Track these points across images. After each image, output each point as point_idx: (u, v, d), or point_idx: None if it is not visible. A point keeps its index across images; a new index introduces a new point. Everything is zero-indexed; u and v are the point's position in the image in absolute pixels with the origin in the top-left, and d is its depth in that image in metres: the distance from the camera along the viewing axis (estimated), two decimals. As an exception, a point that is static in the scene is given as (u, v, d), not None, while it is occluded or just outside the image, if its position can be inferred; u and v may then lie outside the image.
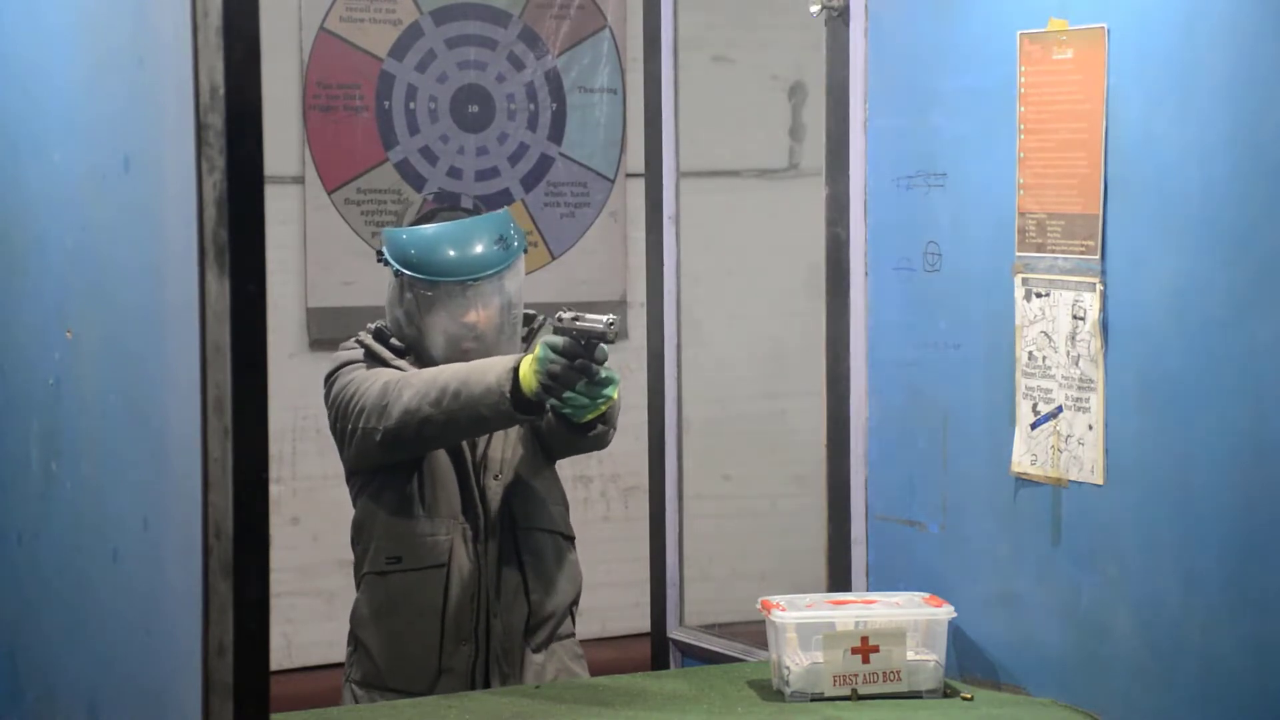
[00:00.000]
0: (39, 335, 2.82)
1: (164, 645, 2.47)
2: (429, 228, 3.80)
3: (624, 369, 5.95)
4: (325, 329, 5.72)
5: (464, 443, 3.76)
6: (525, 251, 3.88)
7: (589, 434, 3.70)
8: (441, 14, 5.91)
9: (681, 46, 4.46)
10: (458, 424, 3.58)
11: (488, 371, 3.55)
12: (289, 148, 5.71)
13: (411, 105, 5.87)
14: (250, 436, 2.30)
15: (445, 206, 4.02)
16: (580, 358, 3.47)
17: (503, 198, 5.97)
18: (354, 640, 3.83)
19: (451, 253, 3.76)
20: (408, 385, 3.61)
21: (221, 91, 2.27)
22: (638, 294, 5.45)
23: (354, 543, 3.85)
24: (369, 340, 3.79)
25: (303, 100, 5.72)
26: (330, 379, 3.78)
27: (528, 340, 3.88)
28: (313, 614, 5.65)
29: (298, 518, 5.70)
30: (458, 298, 3.74)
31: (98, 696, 2.72)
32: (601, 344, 3.49)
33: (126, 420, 2.58)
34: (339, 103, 5.79)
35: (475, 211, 3.94)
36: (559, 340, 3.48)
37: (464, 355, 3.73)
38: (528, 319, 3.92)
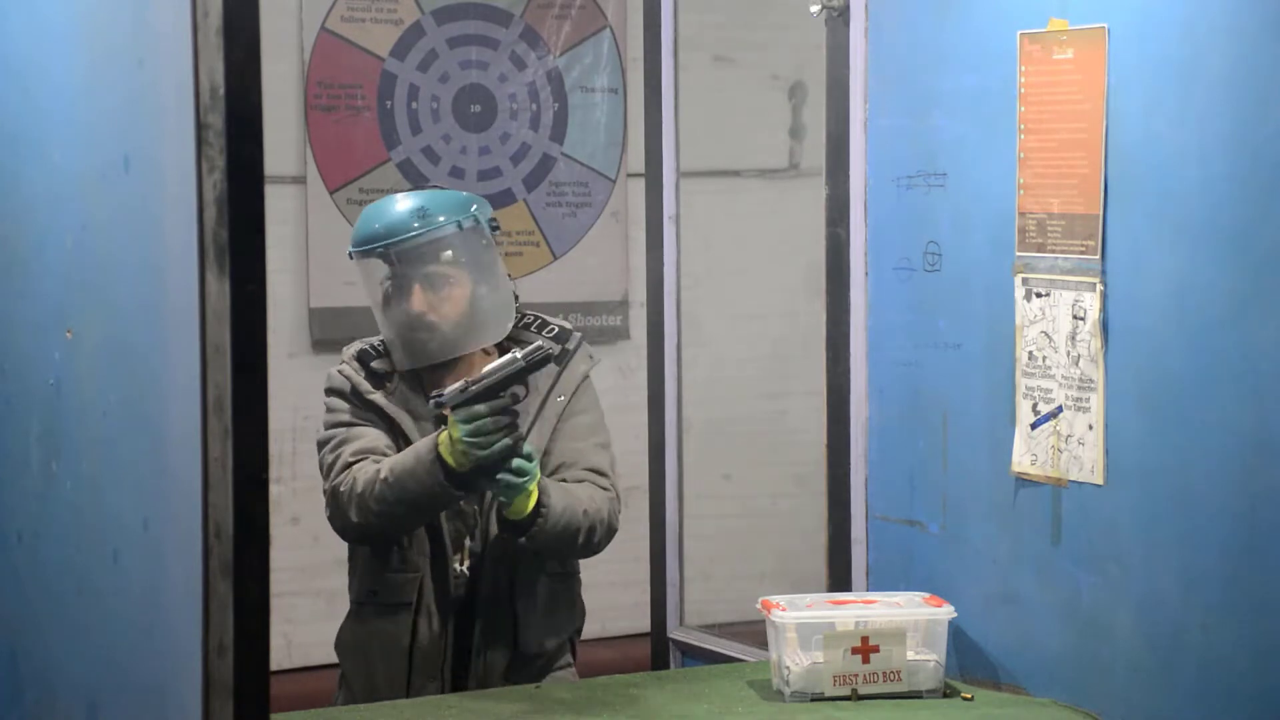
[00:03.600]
0: (39, 335, 2.82)
1: (164, 645, 2.47)
2: (369, 205, 3.78)
3: (624, 369, 5.98)
4: (327, 329, 5.72)
5: None
6: (466, 220, 3.71)
7: (530, 532, 3.59)
8: (443, 14, 5.90)
9: (681, 46, 4.46)
10: (401, 515, 3.58)
11: (414, 450, 3.55)
12: (289, 148, 5.71)
13: (413, 105, 5.87)
14: (250, 436, 2.30)
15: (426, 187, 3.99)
16: (497, 397, 3.46)
17: (505, 198, 5.97)
18: (340, 666, 3.83)
19: (372, 223, 3.71)
20: (353, 493, 3.59)
21: (221, 91, 2.27)
22: (639, 294, 5.44)
23: (349, 569, 3.84)
24: (350, 372, 3.73)
25: (304, 100, 5.72)
26: (325, 404, 3.77)
27: (558, 359, 3.76)
28: (313, 614, 5.64)
29: (298, 518, 5.69)
30: (406, 286, 3.66)
31: (98, 696, 2.72)
32: (514, 386, 3.48)
33: (126, 420, 2.58)
34: (340, 102, 5.79)
35: (429, 188, 3.89)
36: (474, 401, 3.48)
37: (422, 347, 3.67)
38: (562, 335, 3.81)
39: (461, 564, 3.71)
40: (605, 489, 3.73)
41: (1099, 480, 3.44)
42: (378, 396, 3.69)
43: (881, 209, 3.90)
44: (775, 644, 3.55)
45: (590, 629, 5.93)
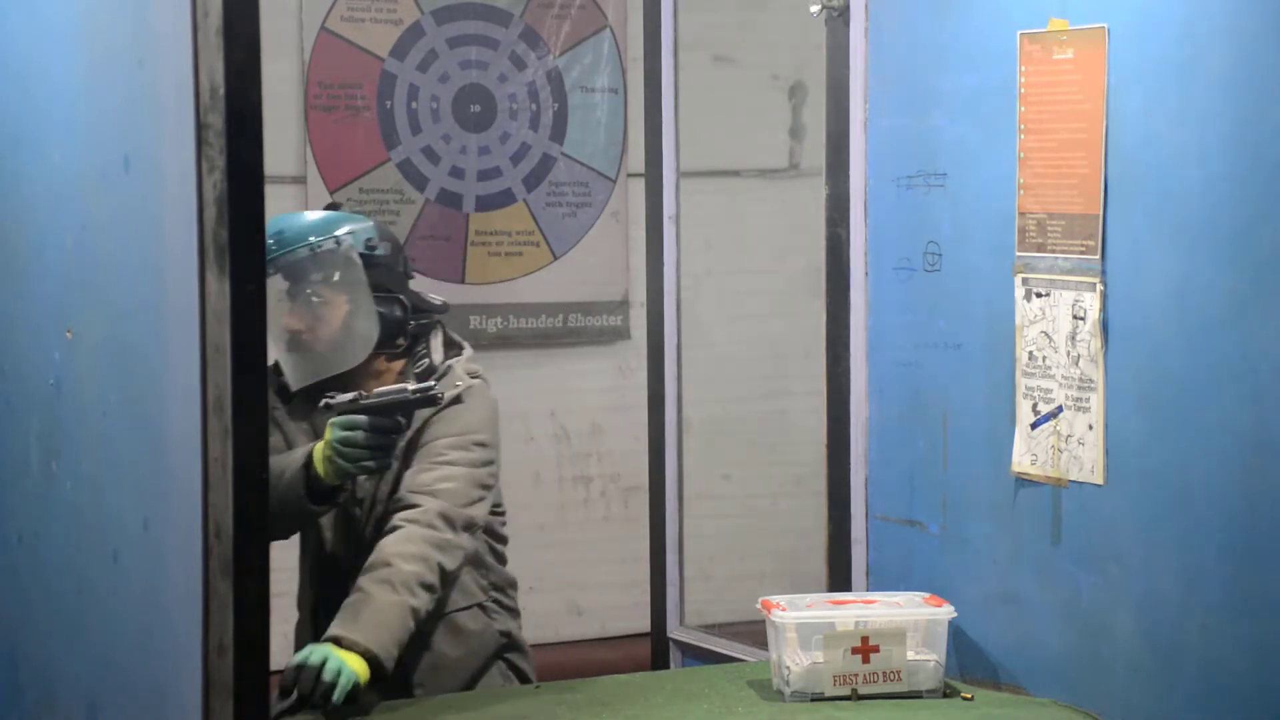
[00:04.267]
0: (39, 335, 2.83)
1: (164, 645, 2.48)
2: None
3: (624, 369, 5.98)
4: (326, 329, 5.72)
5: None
6: (324, 241, 3.68)
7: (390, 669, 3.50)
8: (443, 14, 5.90)
9: (681, 46, 4.46)
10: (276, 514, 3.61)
11: (294, 452, 3.57)
12: (289, 148, 5.71)
13: (413, 105, 5.87)
14: (250, 436, 2.31)
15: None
16: (378, 418, 3.47)
17: (505, 197, 5.97)
18: None
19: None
20: None
21: (221, 91, 2.28)
22: (639, 294, 5.45)
23: None
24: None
25: (304, 100, 5.72)
26: None
27: (406, 349, 3.75)
28: (313, 614, 5.64)
29: (298, 517, 5.69)
30: (279, 301, 3.65)
31: (98, 696, 2.72)
32: (399, 415, 3.48)
33: (126, 420, 2.59)
34: (340, 102, 5.79)
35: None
36: (356, 415, 3.48)
37: (297, 365, 3.67)
38: (427, 371, 3.74)
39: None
40: (414, 505, 3.59)
41: (1099, 480, 3.44)
42: (279, 412, 3.74)
43: (881, 209, 3.90)
44: (775, 644, 3.55)
45: (590, 629, 5.96)
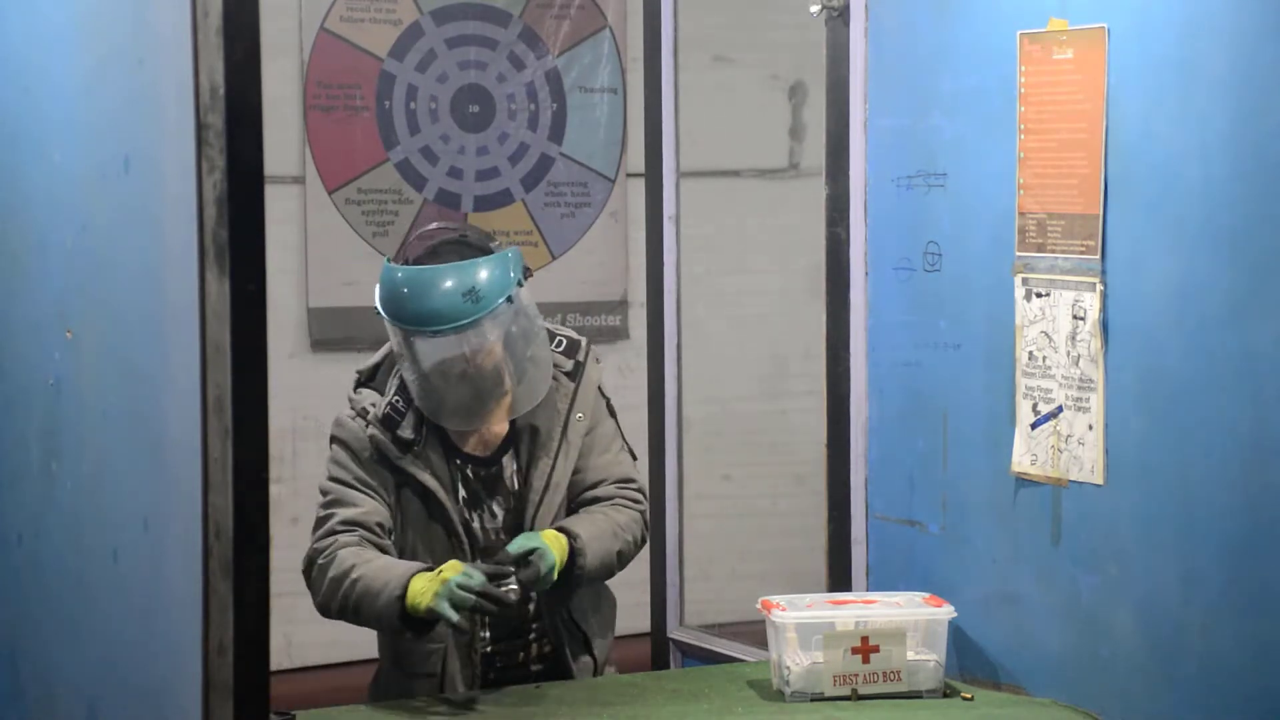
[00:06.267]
0: (39, 335, 2.82)
1: (164, 645, 2.48)
2: (401, 271, 3.56)
3: (624, 369, 5.97)
4: (326, 329, 5.71)
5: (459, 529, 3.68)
6: (514, 289, 3.57)
7: (576, 584, 3.62)
8: (442, 14, 5.90)
9: (681, 46, 4.46)
10: (358, 622, 3.60)
11: (387, 573, 3.50)
12: (289, 148, 5.71)
13: (412, 105, 5.87)
14: (250, 436, 2.30)
15: (439, 238, 3.64)
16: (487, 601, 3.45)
17: (503, 198, 5.97)
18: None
19: (412, 303, 3.52)
20: (325, 575, 3.59)
21: (221, 91, 2.27)
22: (638, 294, 5.45)
23: None
24: (346, 419, 3.65)
25: (303, 100, 5.72)
26: (331, 453, 3.70)
27: (572, 374, 3.71)
28: (313, 614, 5.60)
29: (298, 518, 5.67)
30: (427, 344, 3.54)
31: (98, 696, 2.72)
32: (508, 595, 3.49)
33: (126, 420, 2.59)
34: (339, 103, 5.79)
35: (463, 241, 3.61)
36: (473, 585, 3.43)
37: (440, 402, 3.58)
38: (571, 346, 3.73)
39: (484, 629, 3.68)
40: (637, 500, 3.73)
41: (1099, 480, 3.44)
42: (406, 459, 3.62)
43: (881, 209, 3.90)
44: (775, 644, 3.55)
45: (590, 629, 5.96)
